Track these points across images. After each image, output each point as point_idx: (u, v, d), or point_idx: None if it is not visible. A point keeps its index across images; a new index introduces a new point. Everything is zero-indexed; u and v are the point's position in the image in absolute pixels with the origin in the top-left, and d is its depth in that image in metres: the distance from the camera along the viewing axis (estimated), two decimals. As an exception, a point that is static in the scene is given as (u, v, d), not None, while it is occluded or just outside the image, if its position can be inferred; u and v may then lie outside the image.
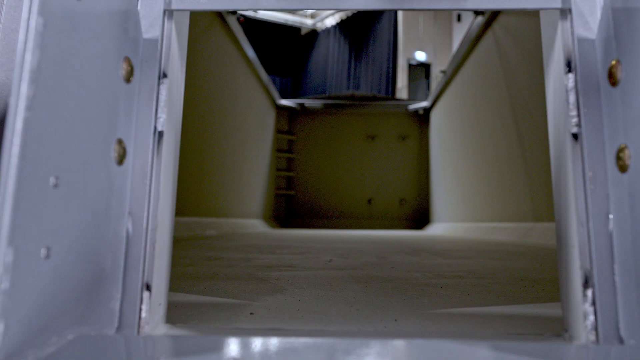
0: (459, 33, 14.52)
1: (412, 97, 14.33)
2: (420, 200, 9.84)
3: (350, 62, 16.56)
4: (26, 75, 0.52)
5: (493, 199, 6.13)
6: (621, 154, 0.71)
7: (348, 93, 10.63)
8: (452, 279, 1.69)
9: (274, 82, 10.98)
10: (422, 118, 9.97)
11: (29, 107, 0.52)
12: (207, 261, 2.24)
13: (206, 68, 5.65)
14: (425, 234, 7.01)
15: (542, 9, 0.84)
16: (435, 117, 9.33)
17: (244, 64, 7.44)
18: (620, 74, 0.72)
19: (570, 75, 0.80)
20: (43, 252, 0.55)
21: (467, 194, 7.23)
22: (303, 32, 18.36)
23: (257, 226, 7.79)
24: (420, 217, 9.78)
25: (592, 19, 0.81)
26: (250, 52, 7.42)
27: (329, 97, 10.48)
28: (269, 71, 9.62)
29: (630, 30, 0.70)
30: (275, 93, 9.41)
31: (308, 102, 10.11)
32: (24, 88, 0.52)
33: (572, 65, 0.80)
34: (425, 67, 15.87)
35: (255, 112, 8.23)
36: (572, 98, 0.79)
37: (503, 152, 5.80)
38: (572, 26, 0.81)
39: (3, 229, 0.49)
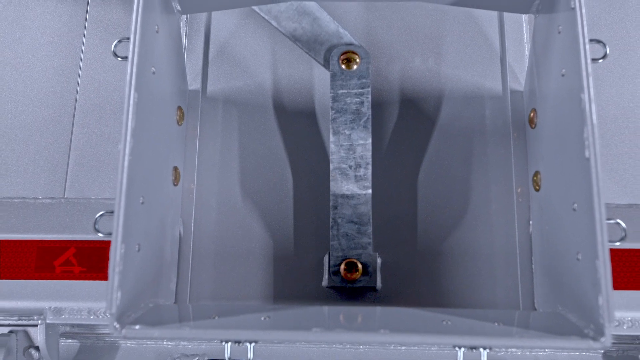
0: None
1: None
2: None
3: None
4: (129, 133, 0.79)
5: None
6: (535, 178, 0.98)
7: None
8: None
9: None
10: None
11: (130, 153, 0.80)
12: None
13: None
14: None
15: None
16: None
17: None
18: (535, 119, 1.00)
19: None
20: (136, 247, 0.83)
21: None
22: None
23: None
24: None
25: (522, 75, 1.09)
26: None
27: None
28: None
29: (540, 84, 0.98)
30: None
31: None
32: (128, 142, 0.79)
33: (507, 110, 1.08)
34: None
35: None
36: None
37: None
38: (506, 80, 1.09)
39: (119, 232, 0.76)
